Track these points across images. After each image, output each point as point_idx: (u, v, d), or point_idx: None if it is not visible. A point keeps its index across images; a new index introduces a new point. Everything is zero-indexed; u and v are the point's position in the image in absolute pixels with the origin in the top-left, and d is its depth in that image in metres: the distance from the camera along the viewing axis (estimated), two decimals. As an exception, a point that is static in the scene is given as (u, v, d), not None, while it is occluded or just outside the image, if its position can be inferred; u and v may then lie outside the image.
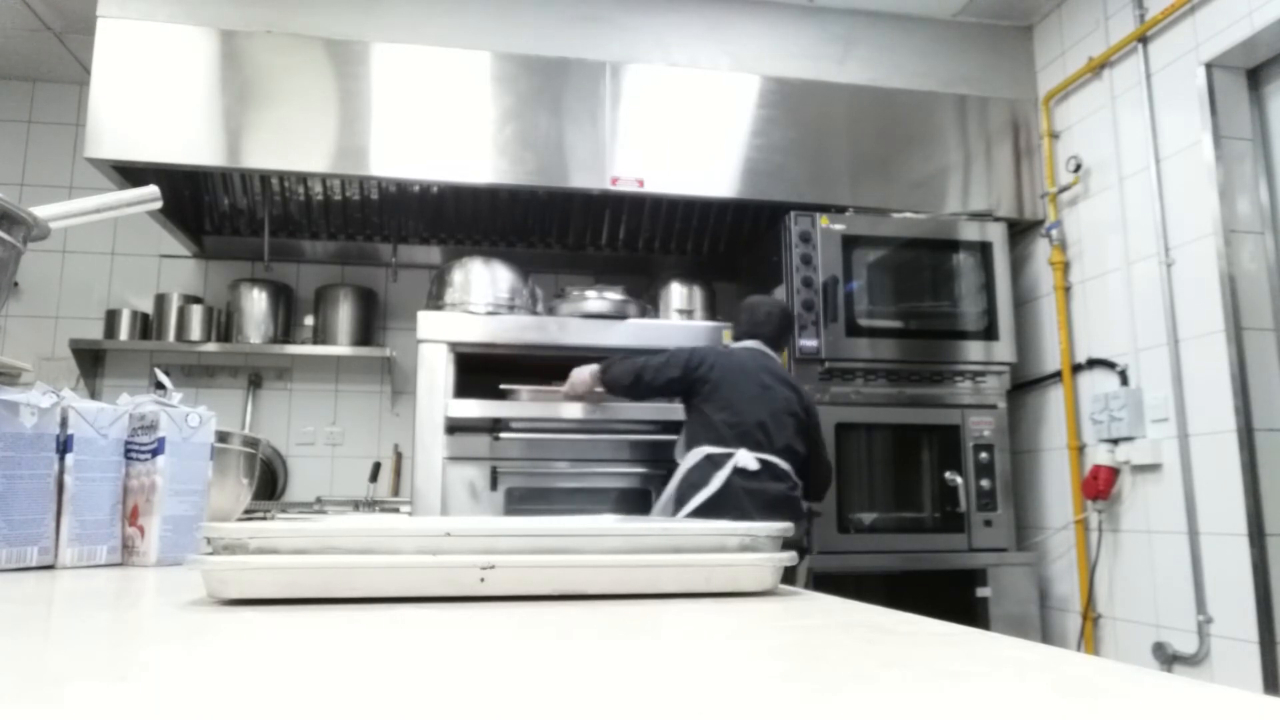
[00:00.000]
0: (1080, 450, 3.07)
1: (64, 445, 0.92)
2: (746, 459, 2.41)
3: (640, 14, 3.16)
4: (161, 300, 3.45)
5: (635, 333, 2.95)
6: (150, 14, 2.86)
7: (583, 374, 2.74)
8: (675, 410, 2.84)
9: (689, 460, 2.47)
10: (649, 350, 2.84)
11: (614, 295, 3.01)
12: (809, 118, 3.18)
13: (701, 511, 2.36)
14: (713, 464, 2.42)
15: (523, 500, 2.82)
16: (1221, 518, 2.55)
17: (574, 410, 2.84)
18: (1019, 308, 3.32)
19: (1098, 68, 3.07)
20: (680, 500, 2.43)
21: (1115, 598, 2.92)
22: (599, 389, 2.73)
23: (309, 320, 3.55)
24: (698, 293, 3.36)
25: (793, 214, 3.02)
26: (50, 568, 0.89)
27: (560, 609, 0.59)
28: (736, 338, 2.69)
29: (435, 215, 3.41)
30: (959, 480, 2.98)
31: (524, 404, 2.85)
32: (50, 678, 0.37)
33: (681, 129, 3.10)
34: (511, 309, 2.98)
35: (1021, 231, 3.37)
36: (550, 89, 3.05)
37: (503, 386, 2.87)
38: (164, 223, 3.28)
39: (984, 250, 3.15)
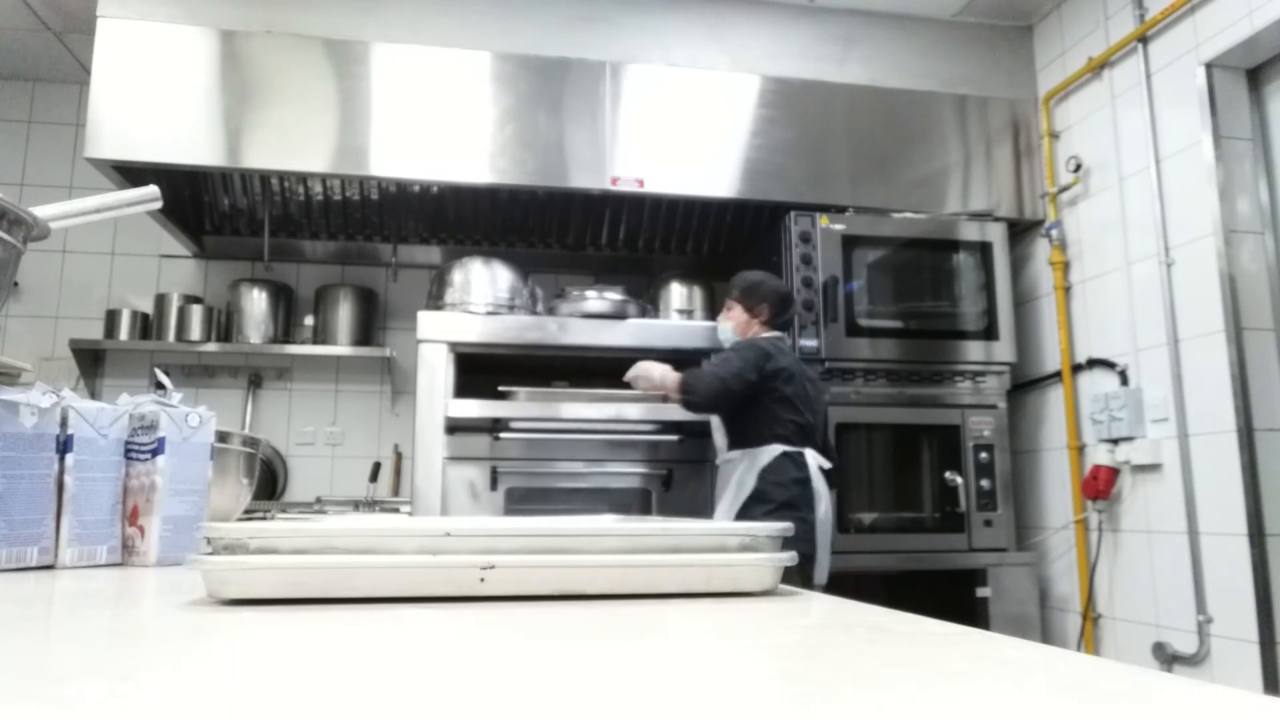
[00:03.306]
0: (1080, 450, 3.07)
1: (64, 445, 0.91)
2: (819, 459, 2.40)
3: (640, 14, 3.16)
4: (161, 300, 3.45)
5: (635, 333, 2.95)
6: (150, 14, 2.86)
7: (653, 373, 2.51)
8: (675, 410, 2.83)
9: (764, 457, 2.39)
10: (649, 351, 2.84)
11: (614, 295, 3.01)
12: (809, 118, 3.18)
13: (788, 508, 2.32)
14: (793, 462, 2.38)
15: (523, 500, 2.82)
16: (1221, 518, 2.55)
17: (574, 410, 2.84)
18: (1019, 308, 3.32)
19: (1098, 68, 3.07)
20: (760, 496, 2.35)
21: (1115, 598, 2.92)
22: (674, 399, 2.52)
23: (309, 320, 3.55)
24: (697, 293, 3.36)
25: (793, 214, 3.02)
26: (50, 568, 0.89)
27: (560, 609, 0.59)
28: (765, 322, 2.56)
29: (435, 215, 3.41)
30: (959, 480, 2.98)
31: (524, 404, 2.85)
32: (50, 678, 0.37)
33: (681, 129, 3.10)
34: (511, 309, 2.98)
35: (1021, 231, 3.37)
36: (550, 89, 3.04)
37: (501, 389, 2.87)
38: (164, 223, 3.28)
39: (984, 250, 3.15)
